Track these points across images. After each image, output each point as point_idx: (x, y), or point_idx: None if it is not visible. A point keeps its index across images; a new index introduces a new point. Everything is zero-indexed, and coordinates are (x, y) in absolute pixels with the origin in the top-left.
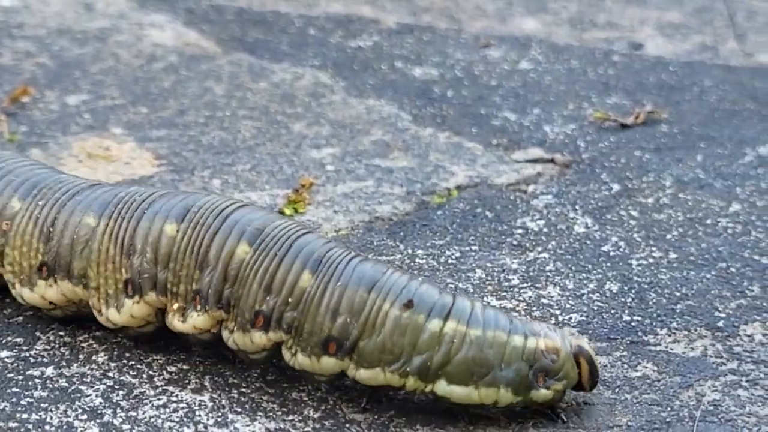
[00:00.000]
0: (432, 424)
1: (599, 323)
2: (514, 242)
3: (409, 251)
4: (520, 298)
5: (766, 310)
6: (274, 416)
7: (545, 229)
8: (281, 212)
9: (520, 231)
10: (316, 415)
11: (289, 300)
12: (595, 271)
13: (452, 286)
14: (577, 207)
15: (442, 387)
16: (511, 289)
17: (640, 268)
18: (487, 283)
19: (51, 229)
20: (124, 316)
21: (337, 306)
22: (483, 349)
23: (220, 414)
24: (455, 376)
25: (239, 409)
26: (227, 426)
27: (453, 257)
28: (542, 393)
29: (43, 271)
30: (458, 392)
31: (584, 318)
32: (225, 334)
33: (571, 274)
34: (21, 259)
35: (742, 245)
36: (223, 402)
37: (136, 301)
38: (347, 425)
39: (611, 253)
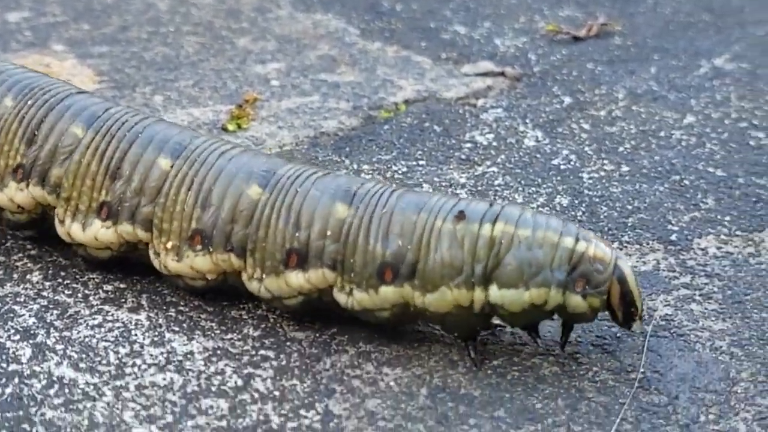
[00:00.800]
0: (375, 342)
1: None
2: (463, 156)
3: (355, 166)
4: None
5: (721, 223)
6: (213, 335)
7: (494, 143)
8: (224, 128)
9: (468, 145)
10: (255, 334)
11: (328, 233)
12: (545, 185)
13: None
14: (527, 120)
15: (493, 292)
16: None
17: (591, 181)
18: None
19: (36, 132)
20: (88, 236)
21: (387, 231)
22: (532, 248)
23: (156, 333)
24: (505, 278)
25: (176, 328)
26: (164, 345)
27: (399, 172)
28: (576, 300)
29: (18, 173)
30: (509, 296)
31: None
32: (253, 284)
33: (520, 188)
34: (0, 157)
35: (696, 157)
36: (160, 321)
37: (107, 226)
38: (288, 343)
39: (562, 167)
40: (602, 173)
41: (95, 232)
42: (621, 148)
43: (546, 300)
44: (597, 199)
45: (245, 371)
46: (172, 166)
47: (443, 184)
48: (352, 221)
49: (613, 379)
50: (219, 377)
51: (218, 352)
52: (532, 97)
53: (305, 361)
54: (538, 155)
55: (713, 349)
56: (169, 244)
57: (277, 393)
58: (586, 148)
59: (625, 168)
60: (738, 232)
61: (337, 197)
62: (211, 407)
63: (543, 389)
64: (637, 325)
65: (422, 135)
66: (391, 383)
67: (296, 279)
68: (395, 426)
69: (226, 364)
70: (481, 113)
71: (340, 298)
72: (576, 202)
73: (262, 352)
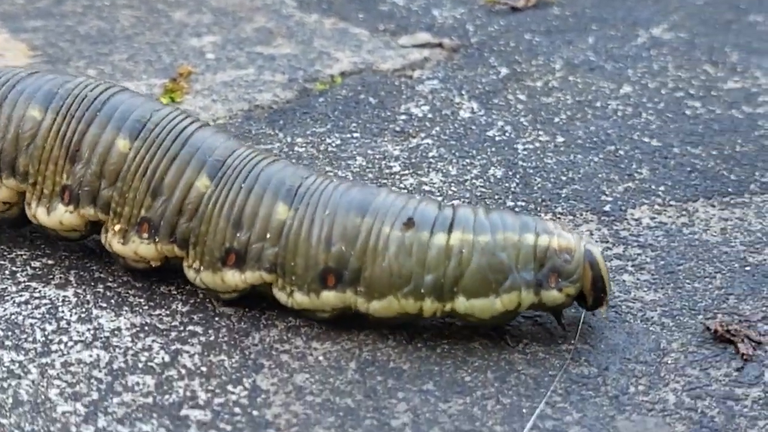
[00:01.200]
0: (304, 316)
1: None
2: (397, 128)
3: (288, 139)
4: (401, 185)
5: (655, 193)
6: (141, 311)
7: (430, 115)
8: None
9: (403, 117)
10: (184, 309)
11: (267, 235)
12: (479, 157)
13: (332, 174)
14: (463, 92)
15: (461, 303)
16: (393, 176)
17: (525, 152)
18: (368, 170)
19: None
20: (53, 220)
21: (329, 235)
22: (495, 253)
23: (84, 309)
24: (472, 288)
25: (104, 304)
26: (91, 322)
27: (333, 145)
28: (553, 295)
29: None
30: (480, 305)
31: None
32: (190, 273)
33: (454, 160)
34: None
35: (632, 128)
36: (88, 297)
37: (70, 210)
38: (216, 318)
39: (497, 138)
40: (537, 144)
41: (60, 217)
42: (557, 119)
43: (519, 303)
44: (531, 171)
45: (173, 347)
46: (130, 148)
47: (377, 156)
48: (292, 223)
49: (544, 351)
50: (146, 353)
51: (146, 328)
52: (469, 68)
53: (234, 337)
54: (473, 127)
55: (644, 320)
56: (117, 227)
57: (204, 369)
58: (522, 119)
59: (560, 139)
60: (672, 202)
61: (279, 196)
62: (138, 384)
63: (472, 362)
64: (603, 309)
65: (357, 107)
66: (320, 357)
67: (232, 278)
68: (323, 400)
69: (153, 340)
70: (417, 85)
71: (280, 296)
72: (510, 173)
73: (190, 327)
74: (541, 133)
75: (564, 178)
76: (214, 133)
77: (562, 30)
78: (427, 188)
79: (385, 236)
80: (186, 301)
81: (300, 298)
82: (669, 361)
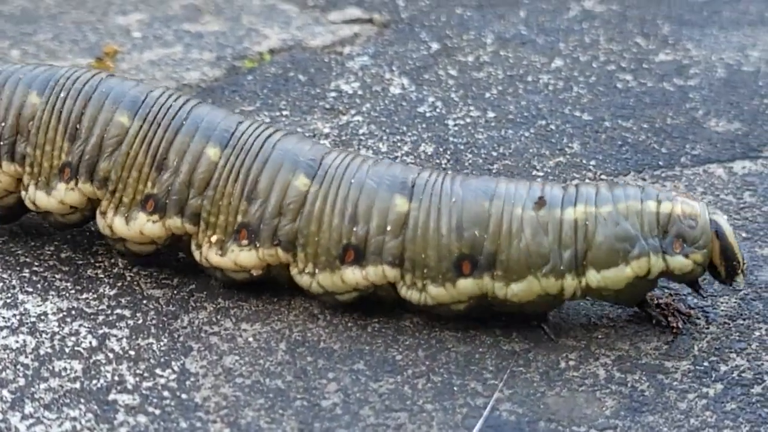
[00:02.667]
0: (233, 298)
1: None
2: (327, 106)
3: None
4: None
5: (586, 167)
6: (68, 295)
7: (360, 92)
8: None
9: (333, 94)
10: (112, 293)
11: (387, 228)
12: (410, 133)
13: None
14: (394, 68)
15: (592, 276)
16: None
17: (456, 128)
18: None
19: (78, 126)
20: (133, 230)
21: (460, 222)
22: (619, 222)
23: (9, 295)
24: (601, 260)
25: (30, 289)
26: (17, 307)
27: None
28: (680, 261)
29: (65, 172)
30: (610, 276)
31: None
32: (304, 279)
33: (385, 137)
34: (43, 158)
35: (563, 102)
36: (14, 282)
37: (153, 219)
38: (144, 301)
39: (427, 114)
40: (468, 120)
41: (140, 226)
42: (488, 94)
43: (648, 269)
44: (462, 146)
45: (100, 331)
46: (220, 157)
47: (307, 134)
48: (417, 215)
49: (474, 328)
50: (73, 338)
51: (73, 312)
52: (400, 43)
53: (162, 319)
54: (404, 103)
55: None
56: (214, 238)
57: (132, 352)
58: (453, 95)
59: (491, 114)
60: (603, 176)
61: (395, 189)
62: (65, 369)
63: (403, 340)
64: (740, 279)
65: (287, 85)
66: (250, 339)
67: (353, 275)
68: (252, 382)
69: (80, 325)
70: (348, 61)
71: (411, 294)
72: (441, 149)
73: (118, 311)
74: (472, 108)
75: (495, 154)
76: (301, 140)
77: (494, 4)
78: None
79: (518, 217)
80: (113, 284)
81: (435, 291)
82: (599, 336)
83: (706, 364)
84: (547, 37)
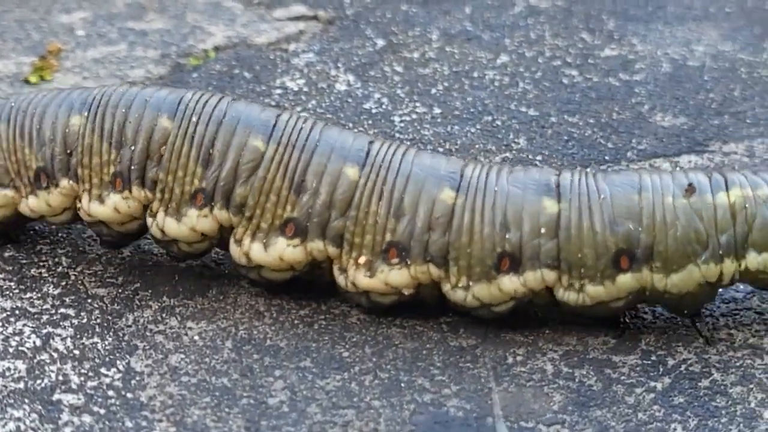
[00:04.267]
0: (179, 296)
1: None
2: (272, 103)
3: None
4: None
5: (532, 163)
6: (11, 295)
7: (305, 89)
8: (26, 81)
9: (279, 91)
10: (56, 292)
11: (541, 230)
12: (356, 130)
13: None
14: (339, 64)
15: (753, 259)
16: None
17: (402, 124)
18: None
19: (211, 151)
20: (272, 256)
21: (612, 217)
22: None
23: None
24: (762, 241)
25: None
26: None
27: None
28: None
29: (198, 199)
30: None
31: None
32: (458, 294)
33: None
34: (175, 185)
35: (509, 97)
36: None
37: (294, 244)
38: (89, 300)
39: (373, 111)
40: (414, 116)
41: (280, 253)
42: (433, 90)
43: None
44: (408, 142)
45: (44, 331)
46: (360, 176)
47: None
48: (569, 215)
49: (422, 325)
50: (17, 338)
51: (17, 312)
52: (345, 40)
53: (107, 318)
54: (350, 99)
55: None
56: (362, 260)
57: (77, 352)
58: (398, 91)
59: (437, 110)
60: None
61: (541, 192)
62: (9, 369)
63: (350, 337)
64: None
65: (231, 82)
66: (195, 337)
67: (510, 283)
68: (198, 381)
69: (24, 324)
70: (293, 58)
71: (568, 296)
72: None
73: (62, 310)
74: (418, 104)
75: (441, 150)
76: (434, 155)
77: (439, 0)
78: None
79: (670, 206)
80: (57, 283)
81: (594, 290)
82: (547, 331)
83: (653, 358)
84: (493, 33)
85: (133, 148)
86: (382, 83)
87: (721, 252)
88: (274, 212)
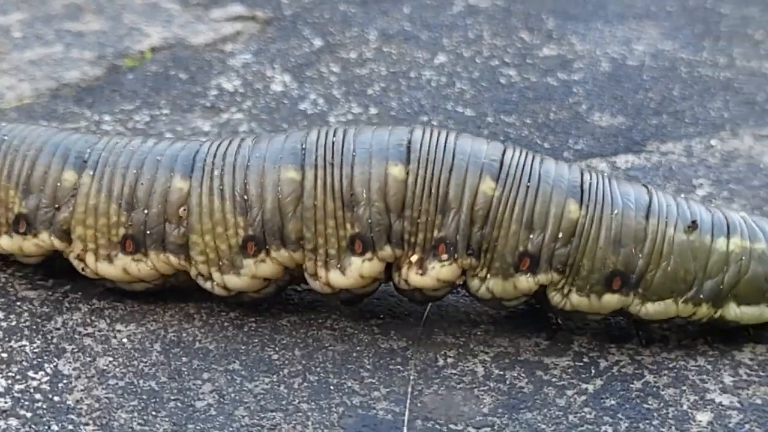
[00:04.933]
0: (109, 299)
1: None
2: (208, 104)
3: (96, 117)
4: None
5: None
6: None
7: (241, 89)
8: None
9: (214, 92)
10: None
11: (559, 235)
12: (291, 131)
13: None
14: (275, 65)
15: (731, 310)
16: None
17: (338, 125)
18: None
19: (245, 197)
20: (352, 277)
21: (619, 236)
22: None
23: None
24: (745, 296)
25: None
26: None
27: (142, 122)
28: None
29: (249, 248)
30: (749, 313)
31: None
32: (474, 282)
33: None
34: (217, 241)
35: (446, 97)
36: None
37: (367, 258)
38: (18, 303)
39: (309, 111)
40: (350, 116)
41: (359, 270)
42: (370, 91)
43: None
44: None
45: None
46: (407, 173)
47: (186, 132)
48: (584, 222)
49: (353, 327)
50: None
51: None
52: (282, 41)
53: (35, 321)
54: (286, 100)
55: (455, 293)
56: (414, 258)
57: (5, 355)
58: (335, 92)
59: (373, 110)
60: None
61: (570, 193)
62: None
63: (280, 339)
64: None
65: (167, 83)
66: (124, 340)
67: (525, 283)
68: (126, 384)
69: None
70: (229, 59)
71: (554, 297)
72: None
73: None
74: (354, 105)
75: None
76: (475, 139)
77: (378, 0)
78: None
79: (670, 238)
80: None
81: (577, 300)
82: (478, 333)
83: (585, 359)
84: (431, 33)
85: (146, 211)
86: (319, 84)
87: (702, 296)
88: (336, 235)
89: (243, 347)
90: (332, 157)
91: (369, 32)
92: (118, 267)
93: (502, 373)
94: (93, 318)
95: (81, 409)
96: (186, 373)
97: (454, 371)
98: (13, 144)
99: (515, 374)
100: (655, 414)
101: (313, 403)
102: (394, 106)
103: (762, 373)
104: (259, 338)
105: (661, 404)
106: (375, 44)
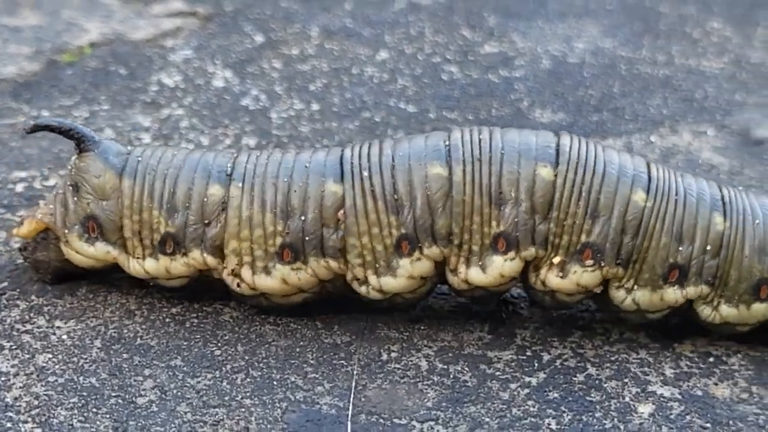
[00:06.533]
0: (48, 295)
1: None
2: (148, 99)
3: (34, 113)
4: None
5: None
6: None
7: (182, 85)
8: None
9: (155, 88)
10: None
11: (707, 247)
12: (232, 126)
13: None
14: (216, 61)
15: None
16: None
17: (280, 121)
18: (117, 142)
19: (395, 196)
20: (492, 275)
21: (763, 245)
22: None
23: None
24: None
25: None
26: None
27: (81, 118)
28: None
29: (403, 247)
30: None
31: None
32: (620, 293)
33: (206, 130)
34: (373, 243)
35: (388, 94)
36: None
37: (510, 257)
38: None
39: (250, 107)
40: (292, 112)
41: (500, 269)
42: (312, 87)
43: None
44: (286, 139)
45: None
46: (555, 175)
47: (126, 128)
48: (729, 234)
49: (295, 322)
50: None
51: None
52: (223, 36)
53: None
54: (227, 96)
55: None
56: (556, 260)
57: None
58: (277, 88)
59: (315, 107)
60: None
61: (714, 207)
62: None
63: (222, 335)
64: None
65: (107, 78)
66: (64, 337)
67: (673, 295)
68: (66, 381)
69: None
70: (170, 54)
71: (703, 311)
72: (264, 142)
73: None
74: (296, 101)
75: (318, 146)
76: (620, 152)
77: None
78: None
79: None
80: None
81: (726, 311)
82: (422, 327)
83: (529, 353)
84: (373, 30)
85: (303, 218)
86: (260, 80)
87: None
88: (482, 232)
89: (185, 343)
90: (479, 153)
91: (311, 28)
92: (277, 278)
93: (445, 367)
94: (32, 315)
95: (20, 406)
96: (127, 369)
97: (397, 366)
98: (150, 164)
99: (459, 368)
100: (597, 406)
101: (256, 399)
102: (336, 102)
103: (703, 365)
104: (201, 334)
105: (604, 397)
106: (317, 40)
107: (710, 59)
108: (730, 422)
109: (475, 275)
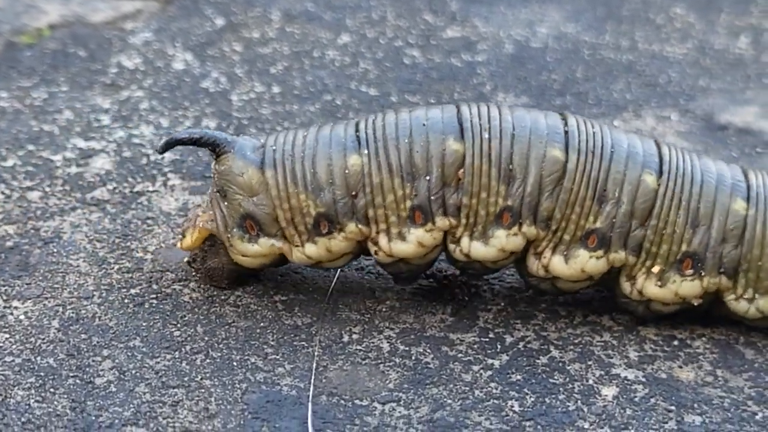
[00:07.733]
0: (5, 275)
1: (194, 161)
2: (108, 81)
3: None
4: (111, 139)
5: None
6: None
7: (142, 67)
8: None
9: (114, 70)
10: None
11: None
12: (192, 108)
13: (38, 129)
14: (177, 43)
15: None
16: (102, 129)
17: (240, 103)
18: (76, 124)
19: (510, 167)
20: (573, 269)
21: None
22: None
23: None
24: None
25: None
26: None
27: (39, 99)
28: None
29: (505, 218)
30: None
31: (178, 156)
32: (741, 304)
33: (166, 112)
34: (479, 207)
35: (350, 77)
36: None
37: (597, 256)
38: None
39: (211, 90)
40: (252, 95)
41: (582, 264)
42: (273, 70)
43: None
44: (246, 122)
45: None
46: (659, 184)
47: (85, 110)
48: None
49: (256, 303)
50: None
51: None
52: (184, 19)
53: None
54: (187, 78)
55: (359, 269)
56: (656, 269)
57: None
58: (237, 70)
59: (276, 89)
60: None
61: None
62: None
63: (182, 316)
64: None
65: (66, 60)
66: (21, 317)
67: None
68: (23, 361)
69: None
70: (130, 37)
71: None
72: (224, 124)
73: None
74: (256, 84)
75: (279, 129)
76: (716, 160)
77: None
78: (137, 141)
79: None
80: None
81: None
82: (384, 309)
83: (491, 335)
84: (335, 14)
85: (428, 178)
86: (221, 62)
87: None
88: (578, 223)
89: (144, 324)
90: (593, 146)
91: (272, 12)
92: (412, 242)
93: (407, 349)
94: None
95: None
96: (85, 349)
97: (359, 347)
98: (285, 150)
99: (421, 350)
100: (561, 389)
101: (216, 380)
102: (297, 84)
103: (667, 348)
104: (160, 315)
105: (567, 379)
106: (278, 24)
107: (674, 45)
108: (695, 405)
109: (557, 265)
